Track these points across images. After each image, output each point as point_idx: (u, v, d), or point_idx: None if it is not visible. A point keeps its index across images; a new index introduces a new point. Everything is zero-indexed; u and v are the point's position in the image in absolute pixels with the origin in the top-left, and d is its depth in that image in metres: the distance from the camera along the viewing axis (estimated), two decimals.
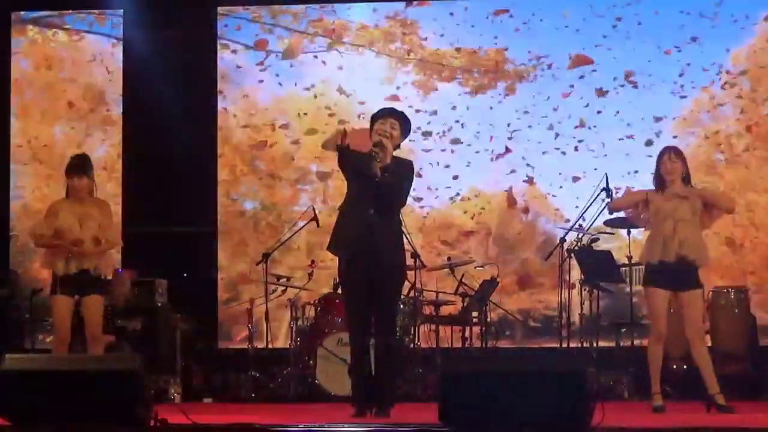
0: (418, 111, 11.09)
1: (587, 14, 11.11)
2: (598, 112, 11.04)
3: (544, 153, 11.07)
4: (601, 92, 11.05)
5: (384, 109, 7.23)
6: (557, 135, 11.07)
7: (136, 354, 7.87)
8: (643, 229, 7.94)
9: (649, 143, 10.76)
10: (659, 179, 7.51)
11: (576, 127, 11.05)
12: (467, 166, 11.20)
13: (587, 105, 11.06)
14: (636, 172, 10.49)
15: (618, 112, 11.00)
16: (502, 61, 11.22)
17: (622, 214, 8.44)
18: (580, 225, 9.29)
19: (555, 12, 11.15)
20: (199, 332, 10.56)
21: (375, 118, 7.12)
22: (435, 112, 11.24)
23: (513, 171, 11.13)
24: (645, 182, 8.55)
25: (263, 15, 11.60)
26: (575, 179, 10.91)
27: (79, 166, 7.95)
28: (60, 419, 5.64)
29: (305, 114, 11.44)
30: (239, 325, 11.03)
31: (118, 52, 11.66)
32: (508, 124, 11.15)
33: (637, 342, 9.67)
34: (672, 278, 7.37)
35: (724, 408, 7.22)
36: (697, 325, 7.46)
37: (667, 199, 7.42)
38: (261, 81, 11.53)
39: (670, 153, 7.50)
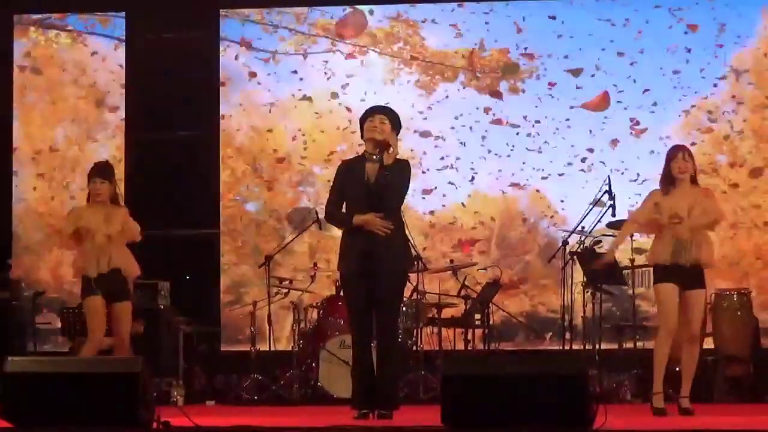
0: (420, 112, 11.13)
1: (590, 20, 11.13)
2: (604, 114, 11.04)
3: (546, 153, 11.07)
4: (605, 97, 11.07)
5: (370, 107, 7.21)
6: (561, 135, 11.08)
7: (138, 356, 7.87)
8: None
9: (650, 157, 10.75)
10: (669, 179, 7.34)
11: (580, 126, 11.05)
12: (470, 167, 11.19)
13: (592, 98, 11.07)
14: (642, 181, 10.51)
15: (624, 108, 11.03)
16: (505, 62, 11.21)
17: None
18: (583, 227, 9.28)
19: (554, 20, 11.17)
20: (201, 334, 10.55)
21: (363, 118, 7.10)
22: (437, 113, 11.23)
23: (516, 172, 11.12)
24: (646, 186, 8.54)
25: (266, 16, 11.59)
26: (578, 181, 10.90)
27: (102, 169, 7.95)
28: (62, 422, 5.64)
29: (308, 115, 11.43)
30: (242, 327, 11.02)
31: (121, 53, 11.65)
32: (512, 126, 11.15)
33: (639, 344, 9.66)
34: (682, 277, 7.30)
35: (686, 411, 7.24)
36: (697, 325, 7.43)
37: (681, 200, 7.31)
38: (264, 83, 11.52)
39: (684, 153, 7.34)
